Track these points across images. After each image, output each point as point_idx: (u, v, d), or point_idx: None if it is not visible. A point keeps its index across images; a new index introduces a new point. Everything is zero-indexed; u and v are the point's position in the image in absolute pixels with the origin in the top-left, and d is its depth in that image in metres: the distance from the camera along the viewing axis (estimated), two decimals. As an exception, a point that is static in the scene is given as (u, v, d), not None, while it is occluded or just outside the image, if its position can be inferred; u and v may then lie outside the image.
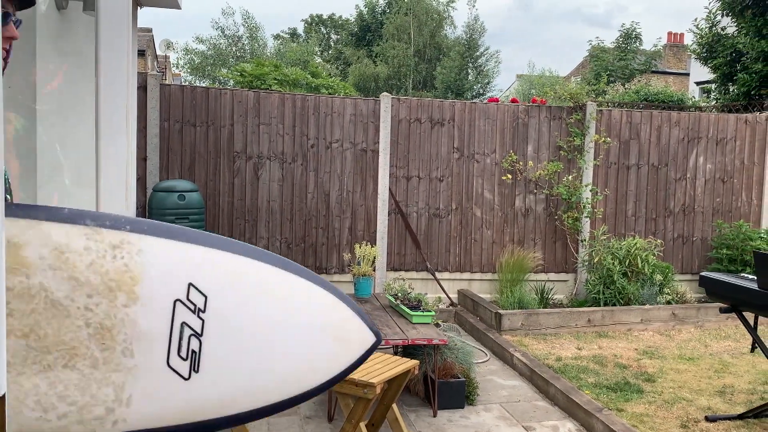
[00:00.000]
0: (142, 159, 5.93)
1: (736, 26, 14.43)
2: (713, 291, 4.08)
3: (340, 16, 36.45)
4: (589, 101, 7.02)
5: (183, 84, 18.92)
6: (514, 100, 7.36)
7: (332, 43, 36.43)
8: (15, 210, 1.43)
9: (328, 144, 6.43)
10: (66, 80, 3.25)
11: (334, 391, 3.43)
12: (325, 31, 37.06)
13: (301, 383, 1.60)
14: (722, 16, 14.61)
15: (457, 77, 28.11)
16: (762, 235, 6.90)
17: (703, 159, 7.21)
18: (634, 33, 19.64)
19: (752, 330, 3.95)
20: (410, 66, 28.56)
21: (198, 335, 1.53)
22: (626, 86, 16.92)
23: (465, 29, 29.71)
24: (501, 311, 5.83)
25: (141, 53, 17.43)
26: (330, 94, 11.33)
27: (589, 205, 6.79)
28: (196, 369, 1.53)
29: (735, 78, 14.15)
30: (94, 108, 2.18)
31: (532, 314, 5.87)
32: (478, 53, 30.03)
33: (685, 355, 5.27)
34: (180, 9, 5.61)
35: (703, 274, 4.19)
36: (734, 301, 3.94)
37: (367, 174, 6.52)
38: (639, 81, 18.32)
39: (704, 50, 15.14)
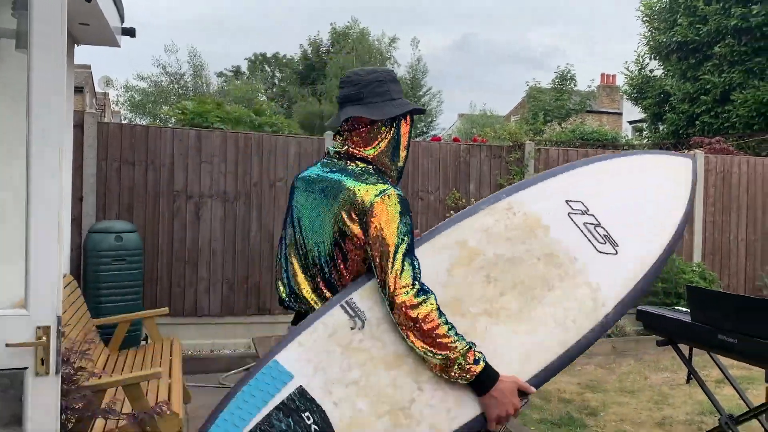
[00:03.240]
0: (78, 199, 5.74)
1: (663, 69, 15.25)
2: (650, 324, 4.18)
3: (284, 55, 36.68)
4: (528, 140, 7.23)
5: (122, 122, 18.62)
6: (456, 139, 7.52)
7: (276, 81, 36.53)
8: (444, 224, 2.11)
9: (272, 182, 6.38)
10: (-5, 119, 3.13)
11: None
12: (269, 70, 37.18)
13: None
14: (650, 59, 15.43)
15: (401, 116, 28.47)
16: (694, 268, 7.17)
17: (636, 195, 7.48)
18: (569, 74, 20.48)
19: (687, 362, 4.06)
20: (355, 104, 28.82)
21: (598, 225, 2.16)
22: (563, 125, 17.54)
23: (408, 69, 30.36)
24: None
25: (79, 90, 17.03)
26: (274, 132, 11.30)
27: (531, 241, 6.93)
28: (615, 246, 2.12)
29: (664, 117, 14.90)
30: (26, 147, 2.10)
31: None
32: (421, 92, 30.65)
33: (626, 387, 5.37)
34: (119, 47, 5.54)
35: (639, 308, 4.31)
36: (670, 334, 4.05)
37: (311, 212, 6.48)
38: (575, 120, 19.04)
39: (635, 91, 15.91)
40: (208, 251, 6.20)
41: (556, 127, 17.56)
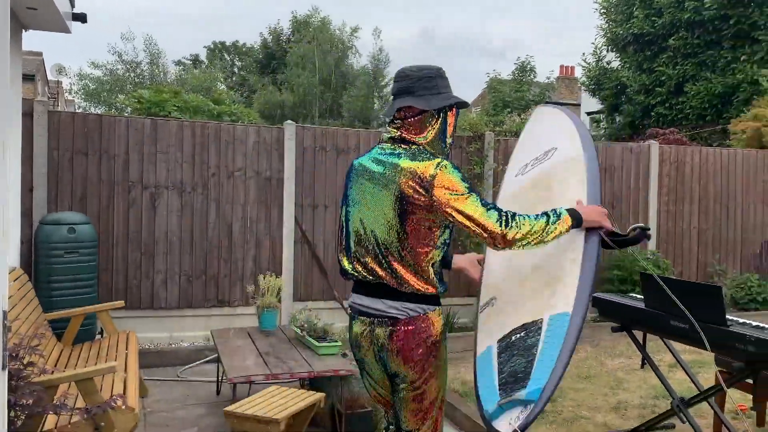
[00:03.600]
0: (28, 190, 5.56)
1: (620, 61, 15.53)
2: (605, 311, 4.27)
3: (244, 44, 36.15)
4: (488, 131, 7.28)
5: (75, 111, 18.11)
6: (416, 129, 7.52)
7: (236, 70, 36.00)
8: None
9: (230, 173, 6.29)
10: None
11: (237, 430, 3.30)
12: (228, 58, 36.61)
13: None
14: (607, 51, 15.70)
15: (364, 106, 28.47)
16: (648, 256, 7.35)
17: (593, 185, 7.61)
18: (528, 66, 20.67)
19: (641, 347, 4.16)
20: (316, 94, 28.66)
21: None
22: (522, 116, 17.72)
23: (370, 59, 30.26)
24: (408, 338, 5.85)
25: (30, 78, 16.48)
26: (233, 121, 11.15)
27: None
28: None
29: (621, 109, 15.21)
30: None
31: (438, 340, 5.93)
32: (383, 83, 30.59)
33: (583, 373, 5.48)
34: (70, 33, 5.37)
35: (596, 295, 4.38)
36: (625, 320, 4.14)
37: (271, 203, 6.42)
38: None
39: (592, 83, 16.19)
40: (165, 243, 6.09)
41: (516, 119, 17.73)
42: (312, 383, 4.30)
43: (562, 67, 33.03)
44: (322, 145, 6.59)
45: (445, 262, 2.50)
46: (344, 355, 4.63)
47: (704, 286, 3.53)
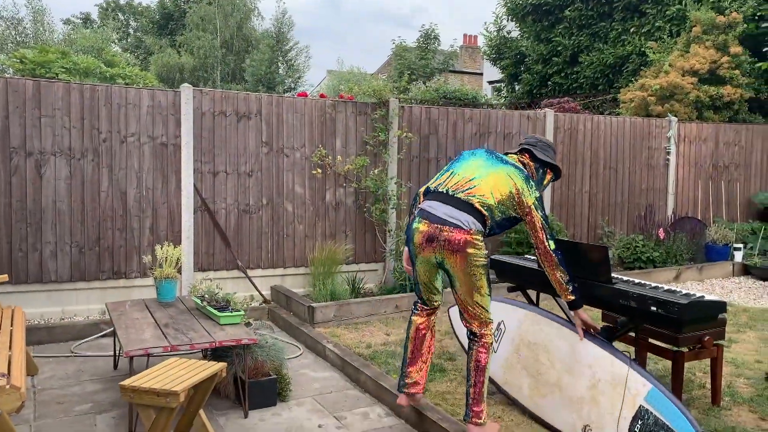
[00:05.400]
0: None
1: (519, 31, 15.94)
2: (502, 272, 4.45)
3: (140, 3, 34.20)
4: (392, 98, 7.29)
5: (-52, 70, 16.61)
6: (322, 95, 7.43)
7: (131, 31, 34.06)
8: None
9: (123, 138, 5.98)
10: None
11: (134, 403, 3.19)
12: (123, 18, 34.53)
13: None
14: (507, 20, 16.06)
15: (268, 70, 27.77)
16: (544, 219, 7.69)
17: (493, 152, 7.85)
18: (433, 34, 20.83)
19: (535, 306, 4.37)
20: (218, 57, 27.64)
21: None
22: (427, 84, 17.91)
23: (273, 22, 29.45)
24: (314, 304, 5.86)
25: None
26: (128, 84, 10.57)
27: (395, 197, 7.07)
28: None
29: (520, 78, 15.65)
30: None
31: (344, 305, 5.98)
32: (287, 47, 29.91)
33: (482, 332, 5.70)
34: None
35: (493, 257, 4.55)
36: (520, 281, 4.34)
37: (168, 170, 6.17)
38: (438, 80, 19.50)
39: (493, 52, 16.55)
40: (54, 212, 5.73)
41: (421, 86, 17.91)
42: (215, 353, 4.23)
43: (465, 36, 33.54)
44: (222, 109, 6.38)
45: (492, 233, 3.59)
46: (248, 324, 4.58)
47: (592, 246, 3.74)
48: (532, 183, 3.52)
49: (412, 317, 3.82)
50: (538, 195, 3.51)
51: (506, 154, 3.75)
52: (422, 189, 3.74)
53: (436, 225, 3.40)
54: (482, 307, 3.47)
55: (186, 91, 6.20)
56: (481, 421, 3.43)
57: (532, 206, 3.46)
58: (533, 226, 3.48)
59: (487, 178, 3.49)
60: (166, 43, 29.18)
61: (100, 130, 5.89)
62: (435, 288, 3.70)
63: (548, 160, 3.76)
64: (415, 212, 3.59)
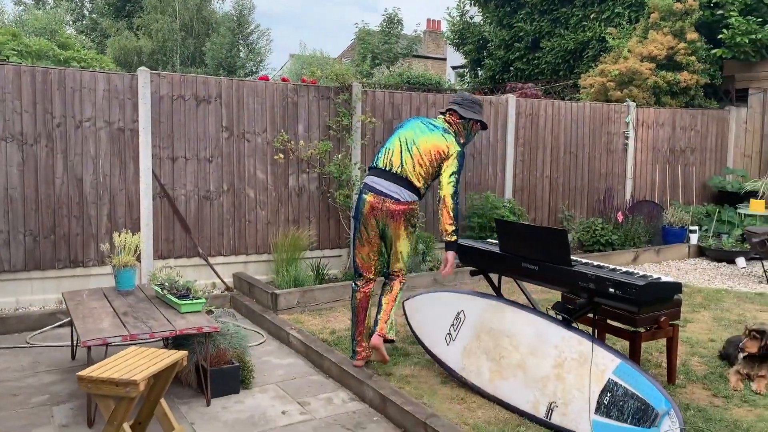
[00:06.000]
0: None
1: (482, 16, 15.97)
2: (465, 256, 4.48)
3: (95, -17, 33.13)
4: (355, 82, 7.24)
5: None
6: (284, 79, 7.33)
7: (87, 13, 33.04)
8: None
9: (78, 123, 5.81)
10: None
11: (92, 394, 3.13)
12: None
13: None
14: (470, 5, 16.06)
15: (228, 54, 27.31)
16: (505, 203, 7.77)
17: (456, 137, 7.86)
18: (396, 18, 20.73)
19: (496, 289, 4.43)
20: (177, 41, 27.05)
21: None
22: (391, 69, 17.86)
23: (234, 5, 28.94)
24: (277, 291, 5.82)
25: None
26: (83, 68, 10.26)
27: (359, 183, 7.04)
28: None
29: (483, 63, 15.70)
30: None
31: (307, 291, 5.95)
32: (248, 30, 29.45)
33: (446, 316, 5.74)
34: None
35: (458, 241, 4.57)
36: (482, 264, 4.37)
37: (126, 156, 6.03)
38: (402, 64, 19.44)
39: (456, 37, 16.54)
40: (5, 200, 5.56)
41: (385, 71, 17.85)
42: (176, 342, 4.17)
43: (429, 20, 33.50)
44: (181, 93, 6.24)
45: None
46: (210, 311, 4.52)
47: (551, 230, 3.79)
48: (454, 139, 4.26)
49: (355, 295, 4.46)
50: (459, 150, 4.23)
51: (438, 114, 4.50)
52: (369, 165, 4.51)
53: (380, 197, 4.19)
54: (408, 255, 4.38)
55: (143, 74, 6.05)
56: (384, 334, 4.24)
57: (452, 155, 4.19)
58: (447, 173, 4.17)
59: (414, 151, 4.24)
60: (123, 25, 28.41)
61: (54, 115, 5.71)
62: (376, 251, 4.41)
63: (474, 117, 4.42)
64: (362, 186, 4.34)
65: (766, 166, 10.05)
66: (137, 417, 3.41)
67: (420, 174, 4.20)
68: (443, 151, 4.19)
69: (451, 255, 4.20)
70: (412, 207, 4.20)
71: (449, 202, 4.11)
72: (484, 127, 4.53)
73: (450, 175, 4.14)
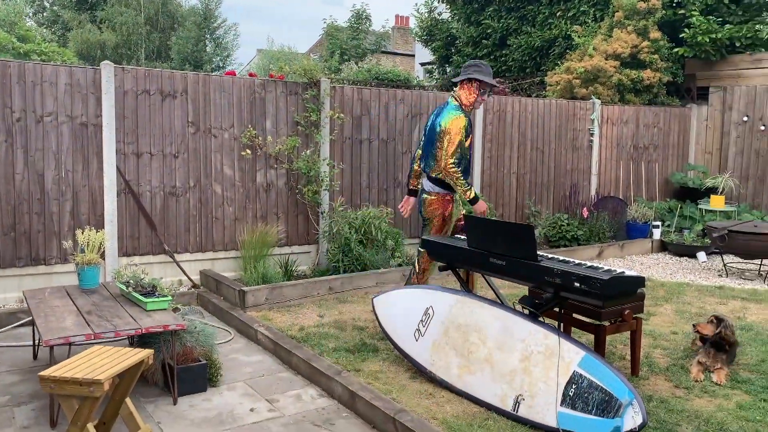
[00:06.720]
0: None
1: (450, 12, 16.03)
2: (433, 251, 4.50)
3: (56, -26, 32.33)
4: (323, 78, 7.21)
5: None
6: (251, 74, 7.26)
7: (47, 4, 32.24)
8: None
9: (39, 118, 5.67)
10: None
11: (55, 394, 3.07)
12: (37, -10, 32.58)
13: None
14: (439, 2, 16.11)
15: (195, 49, 26.94)
16: (474, 200, 7.82)
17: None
18: (364, 14, 20.69)
19: (464, 283, 4.47)
20: (141, 35, 26.58)
21: None
22: (359, 65, 17.82)
23: (200, -1, 28.54)
24: (245, 288, 5.77)
25: None
26: (44, 61, 10.03)
27: (327, 179, 7.02)
28: None
29: (451, 60, 15.76)
30: None
31: (276, 288, 5.91)
32: (215, 24, 29.10)
33: (415, 312, 5.77)
34: None
35: (424, 237, 4.60)
36: (450, 259, 4.40)
37: (89, 151, 5.91)
38: (371, 60, 19.42)
39: (425, 33, 16.57)
40: (-37, 197, 5.40)
41: (354, 67, 17.80)
42: (141, 340, 4.11)
43: (397, 16, 33.51)
44: (146, 88, 6.14)
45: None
46: (176, 309, 4.46)
47: (518, 226, 3.83)
48: (460, 113, 5.04)
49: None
50: (464, 124, 5.01)
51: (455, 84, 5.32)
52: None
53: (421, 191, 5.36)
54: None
55: (107, 68, 5.93)
56: None
57: (449, 131, 4.99)
58: (445, 145, 5.00)
59: (429, 145, 5.18)
60: (86, 18, 27.80)
61: (14, 109, 5.56)
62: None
63: (490, 81, 5.20)
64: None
65: (726, 162, 10.32)
66: (102, 417, 3.35)
67: (436, 166, 5.21)
68: (445, 129, 5.11)
69: (481, 205, 5.22)
70: (435, 196, 5.27)
71: (457, 174, 5.10)
72: (488, 84, 5.25)
73: (447, 144, 5.09)
